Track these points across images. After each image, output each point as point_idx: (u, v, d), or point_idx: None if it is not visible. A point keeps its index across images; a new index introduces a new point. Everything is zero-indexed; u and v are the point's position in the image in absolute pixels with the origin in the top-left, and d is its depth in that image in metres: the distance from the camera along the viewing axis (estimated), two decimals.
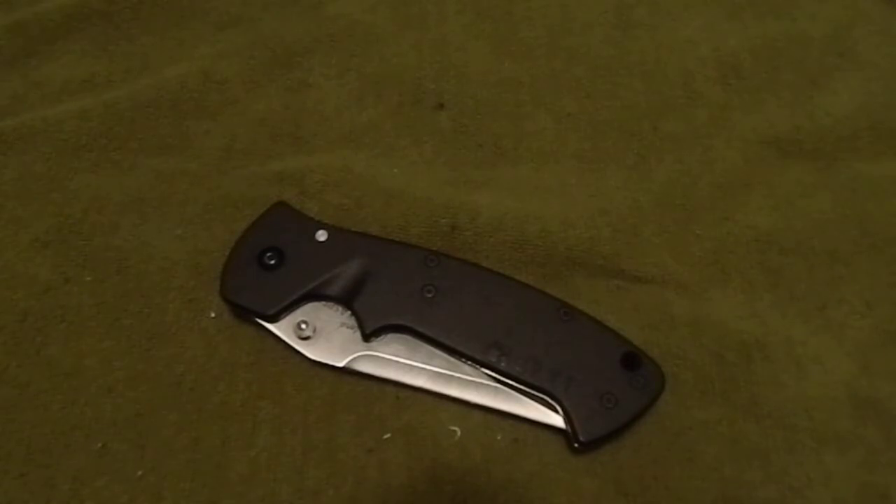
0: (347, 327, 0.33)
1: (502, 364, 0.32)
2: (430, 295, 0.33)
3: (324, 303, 0.33)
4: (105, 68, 0.41)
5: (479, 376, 0.32)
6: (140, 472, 0.31)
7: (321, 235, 0.34)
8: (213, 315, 0.34)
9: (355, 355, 0.33)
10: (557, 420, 0.31)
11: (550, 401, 0.31)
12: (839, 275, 0.36)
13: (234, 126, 0.40)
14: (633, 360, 0.32)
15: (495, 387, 0.32)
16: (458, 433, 0.32)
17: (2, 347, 0.33)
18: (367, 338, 0.33)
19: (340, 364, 0.33)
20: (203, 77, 0.41)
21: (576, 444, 0.31)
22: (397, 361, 0.33)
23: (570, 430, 0.31)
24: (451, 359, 0.32)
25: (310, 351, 0.33)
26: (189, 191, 0.38)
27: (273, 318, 0.33)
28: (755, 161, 0.39)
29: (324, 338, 0.33)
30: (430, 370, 0.33)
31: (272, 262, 0.33)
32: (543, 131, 0.40)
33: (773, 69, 0.42)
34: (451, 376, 0.32)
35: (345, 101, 0.41)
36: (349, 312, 0.33)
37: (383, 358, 0.33)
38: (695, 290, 0.35)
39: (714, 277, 0.36)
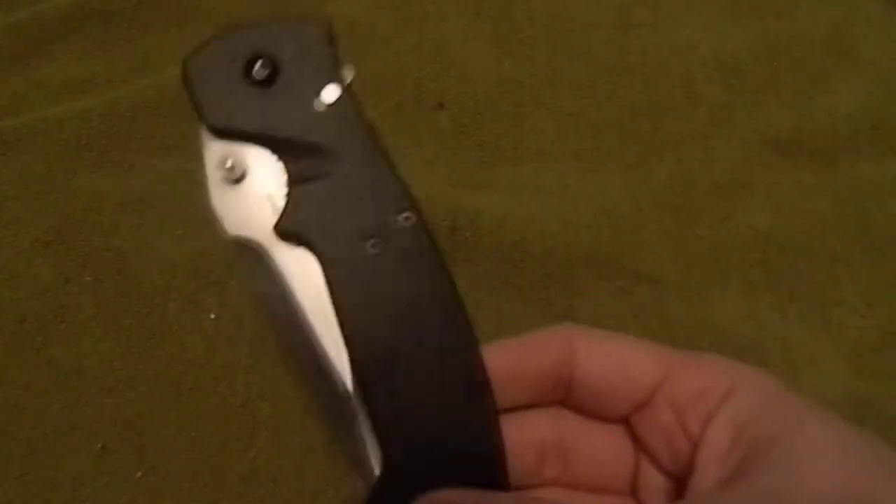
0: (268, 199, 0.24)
1: None
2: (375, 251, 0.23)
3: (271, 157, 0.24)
4: (105, 68, 0.41)
5: None
6: (140, 473, 0.31)
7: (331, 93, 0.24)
8: (213, 316, 0.34)
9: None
10: None
11: None
12: (839, 275, 0.36)
13: None
14: None
15: None
16: None
17: (2, 347, 0.33)
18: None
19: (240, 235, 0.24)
20: None
21: None
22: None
23: None
24: None
25: (226, 198, 0.24)
26: (189, 191, 0.38)
27: (216, 131, 0.24)
28: (755, 161, 0.39)
29: (251, 190, 0.24)
30: None
31: (262, 72, 0.23)
32: (543, 131, 0.40)
33: (773, 69, 0.42)
34: None
35: None
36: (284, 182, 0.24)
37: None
38: (694, 291, 0.35)
39: (714, 277, 0.36)
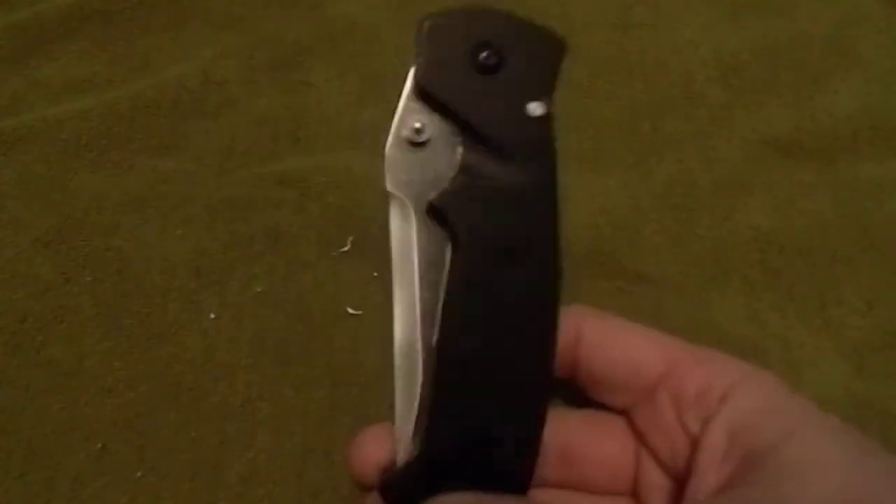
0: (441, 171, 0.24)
1: None
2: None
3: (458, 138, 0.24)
4: (105, 68, 0.42)
5: None
6: (140, 473, 0.31)
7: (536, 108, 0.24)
8: (212, 316, 0.34)
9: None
10: None
11: None
12: (839, 275, 0.36)
13: (234, 126, 0.40)
14: None
15: None
16: None
17: (2, 348, 0.33)
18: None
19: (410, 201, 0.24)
20: (203, 77, 0.41)
21: None
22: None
23: None
24: None
25: (399, 156, 0.24)
26: (189, 191, 0.38)
27: (422, 93, 0.24)
28: (755, 161, 0.39)
29: (425, 159, 0.24)
30: None
31: (488, 60, 0.24)
32: None
33: (773, 69, 0.42)
34: None
35: (345, 101, 0.41)
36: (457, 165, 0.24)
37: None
38: (694, 291, 0.35)
39: (714, 277, 0.36)
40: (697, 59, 0.42)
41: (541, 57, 0.25)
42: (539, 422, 0.24)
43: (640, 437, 0.25)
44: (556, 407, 0.25)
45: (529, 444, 0.24)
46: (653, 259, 0.36)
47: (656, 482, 0.24)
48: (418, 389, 0.24)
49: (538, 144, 0.25)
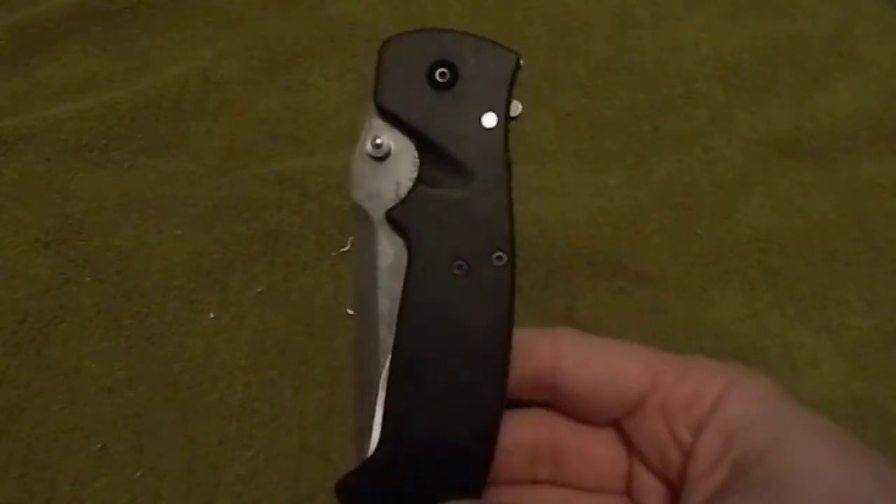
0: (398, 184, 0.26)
1: None
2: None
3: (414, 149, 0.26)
4: (105, 68, 0.42)
5: None
6: (139, 473, 0.31)
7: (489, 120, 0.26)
8: (212, 316, 0.34)
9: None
10: None
11: None
12: (839, 275, 0.36)
13: (234, 126, 0.40)
14: None
15: None
16: None
17: (2, 348, 0.33)
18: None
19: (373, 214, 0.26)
20: (203, 77, 0.41)
21: None
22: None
23: None
24: None
25: (364, 169, 0.26)
26: (189, 191, 0.38)
27: (381, 111, 0.25)
28: (755, 161, 0.39)
29: (387, 172, 0.26)
30: None
31: (443, 78, 0.25)
32: (543, 131, 0.40)
33: (773, 69, 0.42)
34: None
35: (345, 101, 0.41)
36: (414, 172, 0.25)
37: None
38: (695, 290, 0.35)
39: (714, 277, 0.36)
40: (697, 59, 0.42)
41: (494, 71, 0.26)
42: (494, 424, 0.24)
43: (630, 446, 0.25)
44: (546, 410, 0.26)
45: (484, 445, 0.24)
46: (653, 259, 0.36)
47: (649, 485, 0.24)
48: (377, 394, 0.25)
49: (492, 155, 0.26)
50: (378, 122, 0.26)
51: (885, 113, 0.40)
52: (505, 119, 0.26)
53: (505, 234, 0.25)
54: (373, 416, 0.24)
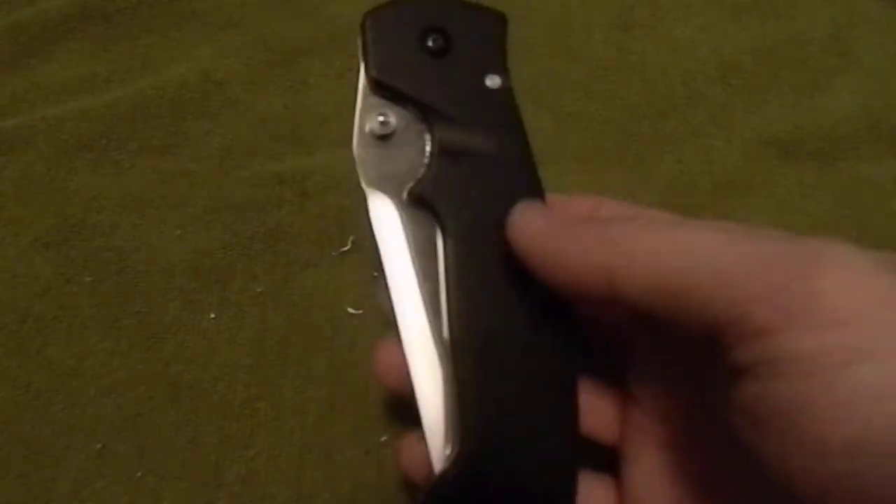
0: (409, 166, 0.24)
1: None
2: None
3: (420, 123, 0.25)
4: (105, 68, 0.41)
5: None
6: (139, 473, 0.31)
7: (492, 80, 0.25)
8: (212, 316, 0.34)
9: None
10: None
11: None
12: None
13: (234, 126, 0.40)
14: None
15: None
16: None
17: (2, 348, 0.33)
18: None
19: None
20: (203, 77, 0.41)
21: None
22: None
23: None
24: None
25: (369, 153, 0.25)
26: (189, 191, 0.38)
27: (378, 86, 0.24)
28: (755, 161, 0.39)
29: (394, 151, 0.24)
30: None
31: (436, 44, 0.25)
32: (543, 131, 0.40)
33: (773, 69, 0.42)
34: None
35: (345, 101, 0.40)
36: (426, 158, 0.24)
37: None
38: None
39: None
40: (697, 59, 0.42)
41: (486, 33, 0.25)
42: (573, 397, 0.23)
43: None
44: None
45: (567, 422, 0.23)
46: None
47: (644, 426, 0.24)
48: (441, 388, 0.23)
49: (504, 113, 0.25)
50: (374, 100, 0.24)
51: (885, 113, 0.40)
52: (507, 77, 0.25)
53: (536, 184, 0.24)
54: (443, 414, 0.23)
